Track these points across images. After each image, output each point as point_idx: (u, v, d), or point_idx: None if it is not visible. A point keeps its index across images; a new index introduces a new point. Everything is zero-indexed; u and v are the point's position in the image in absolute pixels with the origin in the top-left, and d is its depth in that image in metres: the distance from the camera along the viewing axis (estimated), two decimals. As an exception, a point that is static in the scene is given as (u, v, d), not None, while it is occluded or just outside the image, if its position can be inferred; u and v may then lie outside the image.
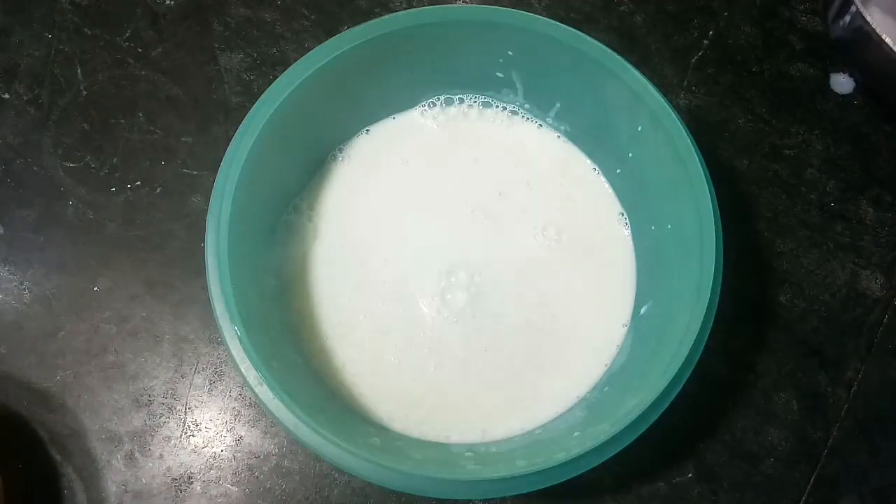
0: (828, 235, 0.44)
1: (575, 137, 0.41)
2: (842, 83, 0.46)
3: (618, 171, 0.39)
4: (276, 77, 0.35)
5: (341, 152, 0.40)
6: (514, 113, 0.41)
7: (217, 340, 0.41)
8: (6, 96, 0.45)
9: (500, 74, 0.39)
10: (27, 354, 0.40)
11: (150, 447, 0.39)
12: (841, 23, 0.42)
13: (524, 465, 0.31)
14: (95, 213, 0.43)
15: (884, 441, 0.41)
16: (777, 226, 0.44)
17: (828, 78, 0.47)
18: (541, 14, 0.40)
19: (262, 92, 0.34)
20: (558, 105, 0.40)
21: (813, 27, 0.48)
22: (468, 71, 0.39)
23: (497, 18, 0.36)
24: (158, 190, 0.43)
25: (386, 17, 0.35)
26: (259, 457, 0.39)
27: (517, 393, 0.37)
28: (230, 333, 0.31)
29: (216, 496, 0.39)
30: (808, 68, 0.47)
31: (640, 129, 0.36)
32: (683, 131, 0.34)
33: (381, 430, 0.36)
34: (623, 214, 0.40)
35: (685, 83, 0.46)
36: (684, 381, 0.32)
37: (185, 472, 0.39)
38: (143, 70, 0.45)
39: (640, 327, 0.37)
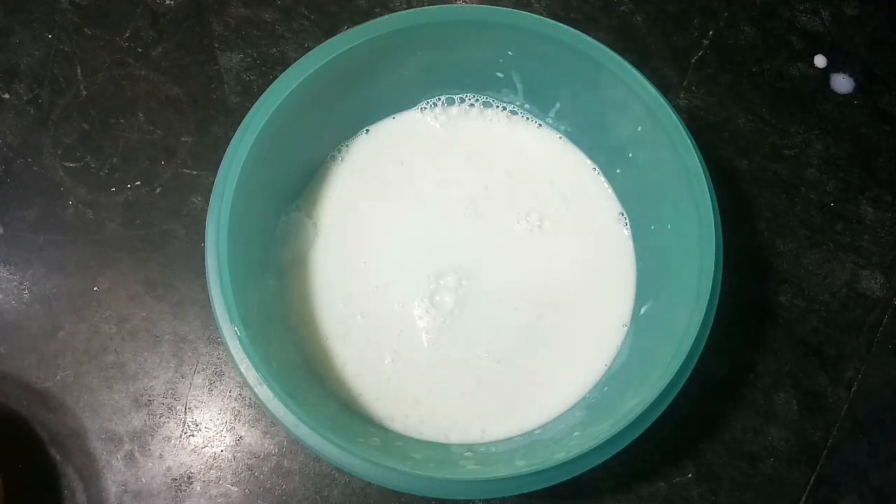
0: (828, 235, 0.44)
1: (575, 137, 0.41)
2: (842, 83, 0.46)
3: (618, 171, 0.39)
4: (276, 77, 0.35)
5: (341, 152, 0.40)
6: (513, 113, 0.41)
7: (217, 340, 0.41)
8: (6, 96, 0.45)
9: (500, 74, 0.39)
10: (27, 354, 0.40)
11: (150, 447, 0.39)
12: None
13: (524, 465, 0.31)
14: (95, 213, 0.43)
15: (884, 441, 0.41)
16: (777, 226, 0.44)
17: (828, 78, 0.47)
18: (541, 14, 0.40)
19: (262, 92, 0.34)
20: (558, 105, 0.40)
21: (813, 27, 0.48)
22: (468, 71, 0.39)
23: (497, 18, 0.36)
24: (158, 190, 0.43)
25: (386, 17, 0.35)
26: (259, 457, 0.39)
27: (517, 393, 0.37)
28: (230, 333, 0.31)
29: (216, 496, 0.39)
30: (808, 68, 0.47)
31: (639, 129, 0.36)
32: (683, 131, 0.34)
33: (381, 430, 0.36)
34: (623, 214, 0.40)
35: (685, 83, 0.46)
36: (684, 381, 0.32)
37: (185, 472, 0.39)
38: (143, 70, 0.45)
39: (640, 327, 0.37)
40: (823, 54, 0.47)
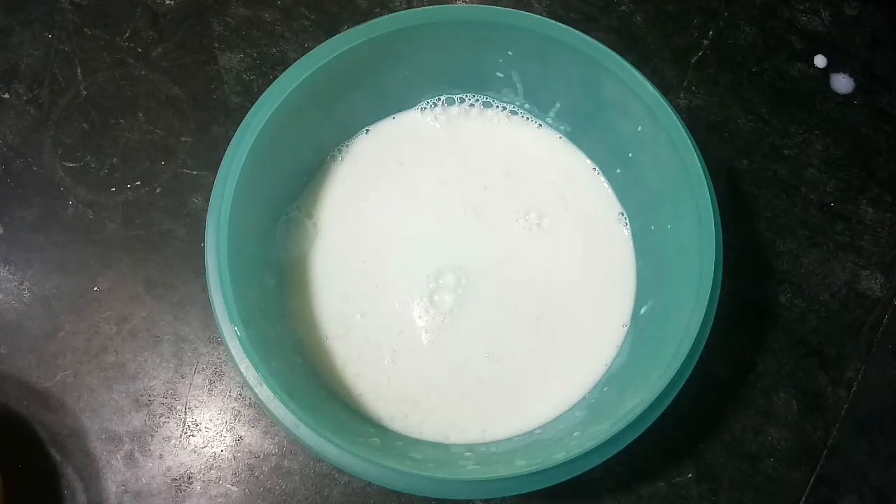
0: (828, 235, 0.44)
1: (575, 137, 0.41)
2: (842, 83, 0.46)
3: (618, 171, 0.39)
4: (276, 77, 0.35)
5: (341, 152, 0.40)
6: (513, 113, 0.41)
7: (217, 340, 0.41)
8: (6, 96, 0.45)
9: (500, 74, 0.39)
10: (27, 354, 0.40)
11: (150, 447, 0.39)
12: None
13: (524, 465, 0.31)
14: (95, 213, 0.43)
15: (883, 441, 0.41)
16: (777, 226, 0.44)
17: (828, 78, 0.47)
18: (541, 14, 0.40)
19: (262, 92, 0.34)
20: (558, 105, 0.40)
21: (813, 27, 0.48)
22: (468, 71, 0.39)
23: (497, 18, 0.36)
24: (158, 190, 0.43)
25: (386, 17, 0.35)
26: (259, 457, 0.39)
27: (517, 393, 0.37)
28: (230, 333, 0.31)
29: (216, 496, 0.39)
30: (808, 68, 0.47)
31: (639, 129, 0.36)
32: (683, 131, 0.34)
33: (381, 430, 0.36)
34: (623, 214, 0.40)
35: (685, 83, 0.46)
36: (684, 381, 0.32)
37: (185, 472, 0.39)
38: (143, 70, 0.45)
39: (640, 327, 0.37)
40: (823, 54, 0.47)
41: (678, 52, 0.47)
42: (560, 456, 0.30)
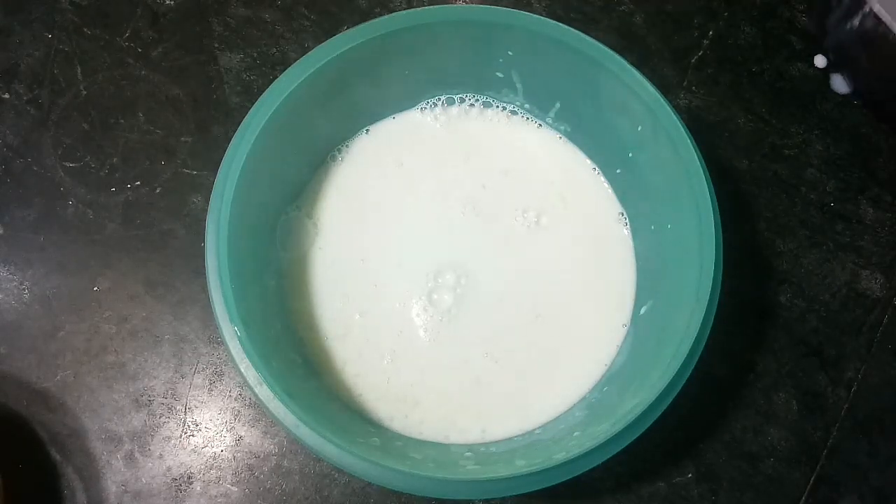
0: (828, 235, 0.44)
1: (575, 137, 0.41)
2: (842, 83, 0.46)
3: (618, 171, 0.39)
4: (276, 77, 0.35)
5: (341, 152, 0.40)
6: (513, 113, 0.41)
7: (217, 340, 0.41)
8: (6, 96, 0.45)
9: (500, 74, 0.39)
10: (27, 354, 0.40)
11: (150, 447, 0.39)
12: (847, 26, 0.42)
13: (524, 465, 0.31)
14: (95, 213, 0.43)
15: (884, 441, 0.41)
16: (777, 226, 0.44)
17: (828, 78, 0.47)
18: (541, 14, 0.40)
19: (262, 92, 0.34)
20: (558, 105, 0.40)
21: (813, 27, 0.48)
22: (468, 71, 0.39)
23: (497, 18, 0.36)
24: (158, 190, 0.43)
25: (386, 17, 0.35)
26: (259, 457, 0.39)
27: (517, 393, 0.37)
28: (230, 333, 0.31)
29: (216, 496, 0.39)
30: (808, 68, 0.47)
31: (639, 129, 0.36)
32: (683, 131, 0.34)
33: (381, 430, 0.36)
34: (623, 214, 0.40)
35: (685, 83, 0.46)
36: (684, 381, 0.32)
37: (185, 472, 0.39)
38: (143, 70, 0.45)
39: (640, 327, 0.37)
40: (823, 54, 0.47)
41: (678, 52, 0.47)
42: (560, 456, 0.30)
